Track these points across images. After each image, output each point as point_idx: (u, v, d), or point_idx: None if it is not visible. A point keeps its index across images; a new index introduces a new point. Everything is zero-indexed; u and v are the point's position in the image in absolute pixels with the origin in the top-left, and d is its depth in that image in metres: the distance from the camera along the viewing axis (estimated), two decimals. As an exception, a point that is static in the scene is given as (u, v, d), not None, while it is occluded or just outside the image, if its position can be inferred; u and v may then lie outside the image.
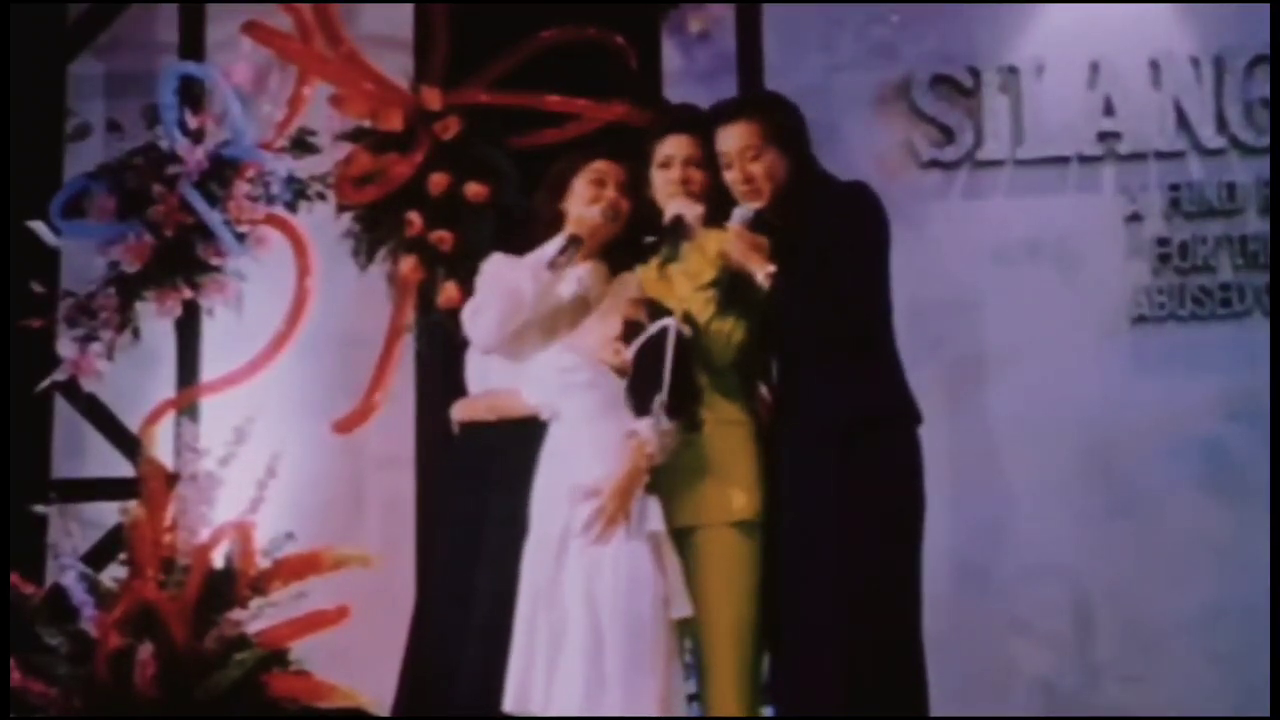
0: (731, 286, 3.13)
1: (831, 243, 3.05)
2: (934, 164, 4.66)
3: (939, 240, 4.58)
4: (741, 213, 3.14)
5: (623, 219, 3.28)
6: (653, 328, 3.03)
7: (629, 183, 3.29)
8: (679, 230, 3.15)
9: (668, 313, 3.06)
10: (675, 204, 3.18)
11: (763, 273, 3.06)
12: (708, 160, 3.18)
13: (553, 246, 3.20)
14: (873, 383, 3.08)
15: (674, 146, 3.21)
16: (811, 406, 3.08)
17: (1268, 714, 3.98)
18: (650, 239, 3.24)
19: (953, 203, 4.65)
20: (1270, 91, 4.49)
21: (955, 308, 4.53)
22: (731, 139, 3.14)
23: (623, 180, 3.29)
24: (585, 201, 3.26)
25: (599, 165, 3.30)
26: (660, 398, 2.98)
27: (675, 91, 4.53)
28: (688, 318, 3.11)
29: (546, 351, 3.19)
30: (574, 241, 3.19)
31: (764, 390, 3.23)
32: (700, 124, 3.23)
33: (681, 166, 3.19)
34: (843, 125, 4.53)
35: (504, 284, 3.21)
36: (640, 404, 3.02)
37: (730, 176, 3.16)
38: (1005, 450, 4.48)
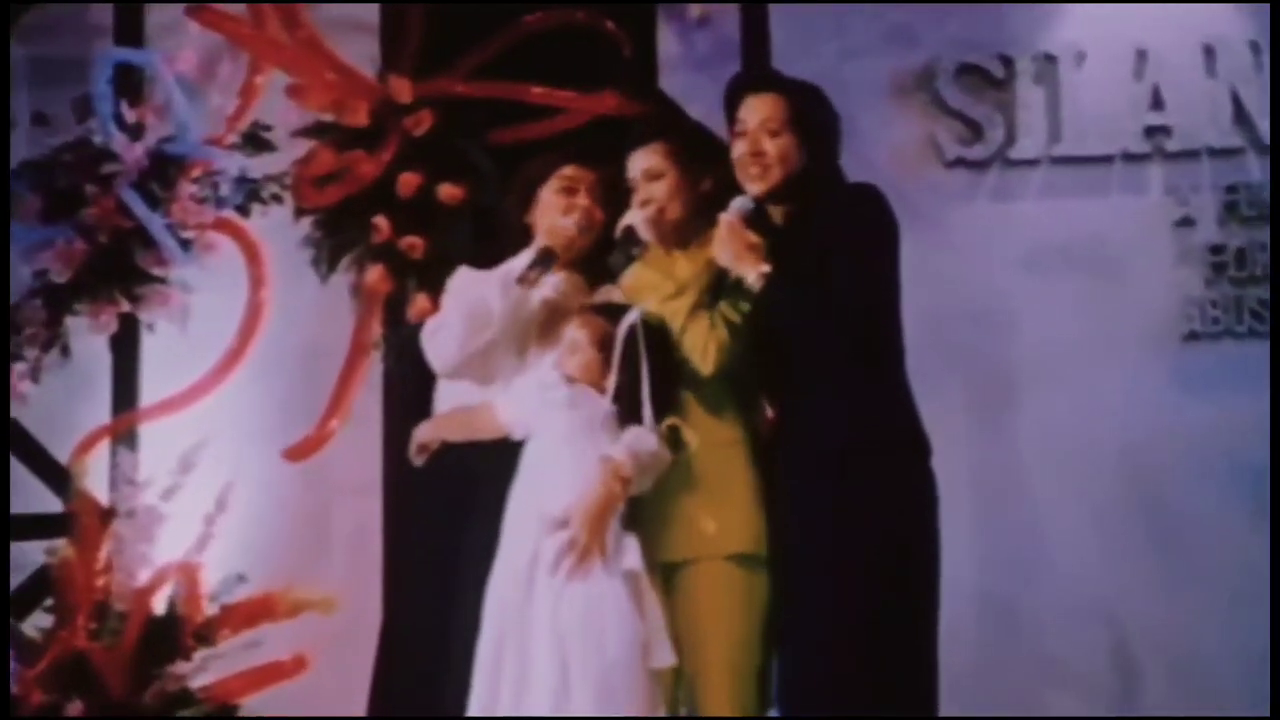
0: (715, 291, 3.19)
1: (833, 245, 3.11)
2: (960, 163, 4.74)
3: (965, 247, 4.64)
4: (740, 204, 3.21)
5: (597, 228, 3.37)
6: (621, 328, 3.12)
7: (603, 188, 3.39)
8: (627, 241, 3.24)
9: (624, 310, 3.16)
10: (629, 215, 3.28)
11: (755, 273, 3.12)
12: (675, 168, 3.27)
13: (523, 259, 3.29)
14: (874, 406, 3.12)
15: (635, 163, 3.31)
16: (809, 428, 3.14)
17: (1268, 714, 4.12)
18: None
19: (980, 205, 4.73)
20: (1270, 91, 4.53)
21: (982, 321, 4.60)
22: (755, 109, 3.23)
23: (595, 187, 3.40)
24: (556, 212, 3.36)
25: (568, 172, 3.40)
26: (645, 400, 3.08)
27: (673, 81, 4.63)
28: (661, 324, 3.18)
29: (526, 365, 3.30)
30: (546, 255, 3.28)
31: (767, 407, 3.29)
32: (670, 129, 3.35)
33: (641, 183, 3.29)
34: (857, 119, 4.46)
35: (468, 300, 3.29)
36: (629, 411, 3.10)
37: (739, 150, 3.23)
38: (1037, 478, 4.49)
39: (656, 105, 4.19)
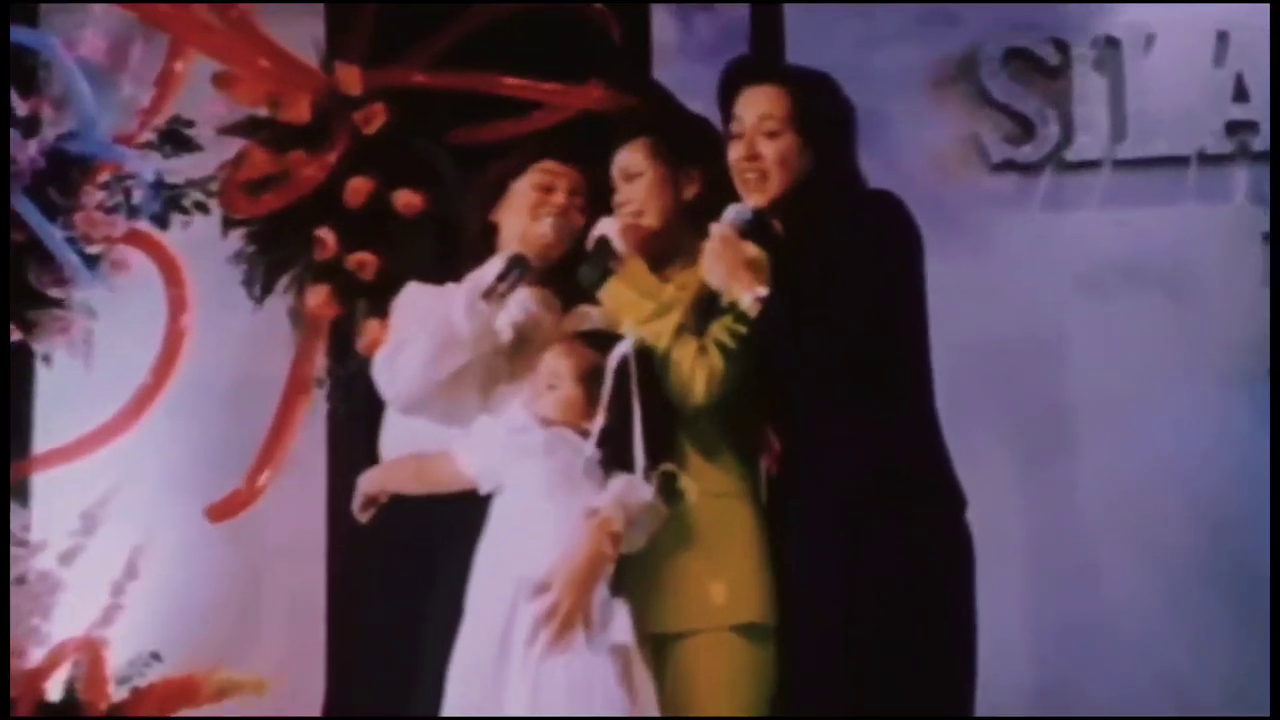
0: (705, 312, 3.22)
1: (841, 262, 3.13)
2: (1008, 165, 4.81)
3: (1012, 263, 4.70)
4: (735, 213, 3.24)
5: (574, 236, 3.39)
6: (611, 359, 3.15)
7: (587, 192, 3.43)
8: (601, 253, 3.28)
9: (615, 339, 3.19)
10: (603, 223, 3.33)
11: (751, 295, 3.14)
12: (661, 162, 3.34)
13: (491, 269, 3.30)
14: (895, 451, 3.13)
15: (620, 164, 3.38)
16: (818, 476, 3.16)
17: (1268, 714, 4.21)
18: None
19: (1032, 215, 4.79)
20: (1270, 92, 4.66)
21: (1031, 350, 4.66)
22: (751, 104, 3.26)
23: (578, 187, 3.43)
24: (525, 212, 3.39)
25: (548, 166, 3.43)
26: (638, 444, 3.10)
27: (669, 72, 4.69)
28: (647, 350, 3.21)
29: (491, 403, 3.32)
30: (517, 264, 3.30)
31: (774, 443, 3.35)
32: (659, 125, 3.43)
33: (621, 182, 3.36)
34: (887, 116, 4.56)
35: (430, 318, 3.30)
36: (616, 456, 3.13)
37: (735, 154, 3.26)
38: (1095, 533, 4.54)
39: (648, 99, 4.27)
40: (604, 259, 3.27)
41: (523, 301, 3.39)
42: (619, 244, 3.30)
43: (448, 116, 4.47)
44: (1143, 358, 4.64)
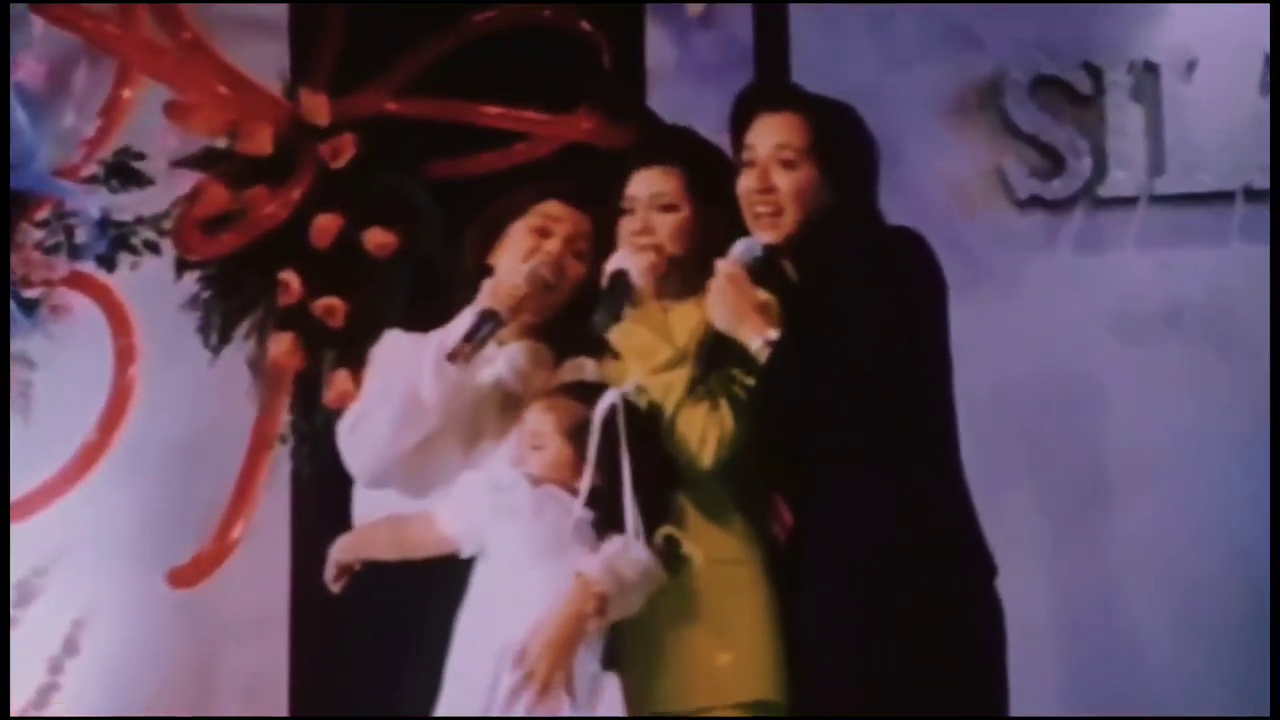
0: (710, 360, 3.22)
1: (860, 305, 3.12)
2: (1036, 202, 4.81)
3: (1042, 308, 4.70)
4: (745, 248, 3.24)
5: (566, 286, 3.39)
6: (597, 411, 3.15)
7: (589, 237, 3.42)
8: (618, 291, 3.25)
9: (601, 390, 3.19)
10: (617, 257, 3.31)
11: (760, 339, 3.14)
12: (686, 197, 3.33)
13: (461, 325, 3.31)
14: (918, 512, 3.13)
15: (638, 185, 3.36)
16: (835, 540, 3.16)
17: (1268, 714, 4.27)
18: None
19: (1062, 256, 4.79)
20: (1271, 93, 4.68)
21: (1065, 401, 4.65)
22: (767, 132, 3.27)
23: (578, 231, 3.42)
24: (518, 258, 3.38)
25: (548, 208, 3.43)
26: (628, 504, 3.09)
27: (665, 97, 4.69)
28: (650, 407, 3.20)
29: (475, 461, 3.32)
30: (488, 319, 3.28)
31: (784, 511, 3.35)
32: (683, 151, 3.40)
33: (644, 209, 3.34)
34: (902, 147, 4.48)
35: (396, 383, 3.30)
36: (609, 518, 3.14)
37: (747, 185, 3.27)
38: (1137, 597, 4.52)
39: (646, 129, 4.28)
40: (621, 297, 3.26)
41: (510, 357, 3.39)
42: (640, 280, 3.29)
43: (423, 148, 4.52)
44: (1184, 411, 4.64)
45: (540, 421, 3.23)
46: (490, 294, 3.33)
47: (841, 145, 3.29)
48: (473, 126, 4.52)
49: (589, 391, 3.24)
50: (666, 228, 3.34)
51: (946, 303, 3.23)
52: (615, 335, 3.26)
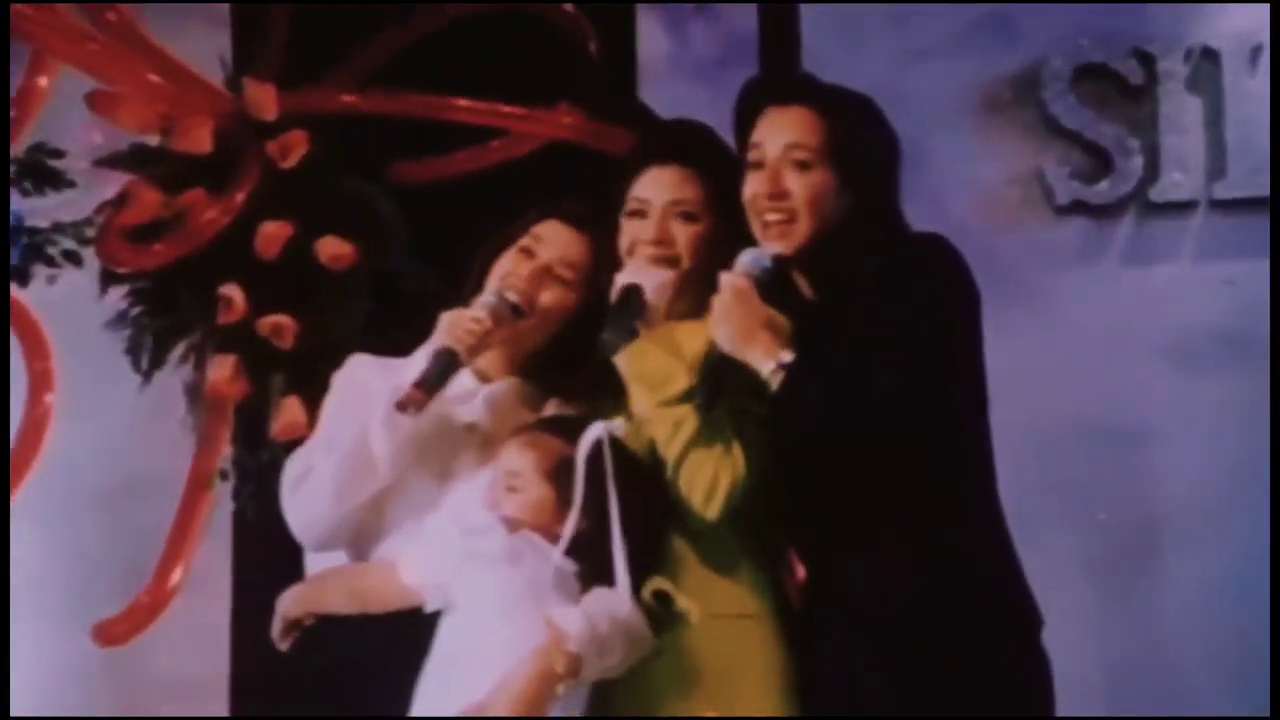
0: (718, 388, 3.17)
1: (884, 326, 3.10)
2: (1079, 208, 4.86)
3: (1086, 330, 4.73)
4: (752, 259, 3.21)
5: (548, 313, 3.35)
6: (581, 447, 3.12)
7: (586, 257, 3.38)
8: (630, 309, 3.20)
9: (584, 425, 3.14)
10: (630, 269, 3.27)
11: (771, 362, 3.11)
12: (708, 206, 3.30)
13: (415, 366, 3.27)
14: (952, 560, 3.12)
15: (653, 186, 3.32)
16: (857, 593, 3.13)
17: (1268, 714, 4.30)
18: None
19: (1109, 268, 4.82)
20: (1270, 94, 4.75)
21: (1111, 438, 4.67)
22: (777, 130, 3.25)
23: (567, 255, 3.38)
24: (498, 280, 3.34)
25: (542, 229, 3.39)
26: (617, 552, 3.07)
27: (658, 92, 4.71)
28: (657, 451, 3.16)
29: (442, 501, 3.28)
30: (443, 359, 3.25)
31: (796, 563, 3.30)
32: (700, 149, 3.36)
33: (661, 218, 3.30)
34: (927, 147, 4.48)
35: (347, 429, 3.29)
36: (594, 568, 3.10)
37: (754, 189, 3.24)
38: (1191, 659, 4.54)
39: (646, 124, 4.23)
40: (634, 315, 3.20)
41: (490, 396, 3.37)
42: (655, 297, 3.23)
43: (385, 147, 4.51)
44: (1246, 447, 4.63)
45: (517, 460, 3.20)
46: (447, 329, 3.30)
47: (861, 144, 3.26)
48: (441, 123, 4.52)
49: (572, 427, 3.21)
50: (687, 239, 3.31)
51: (980, 319, 3.20)
52: (625, 359, 3.22)
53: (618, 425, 3.18)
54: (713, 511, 3.16)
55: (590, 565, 3.13)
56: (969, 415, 3.20)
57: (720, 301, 3.18)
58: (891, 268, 3.18)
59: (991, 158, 4.89)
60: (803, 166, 3.22)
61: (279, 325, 4.36)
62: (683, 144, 3.40)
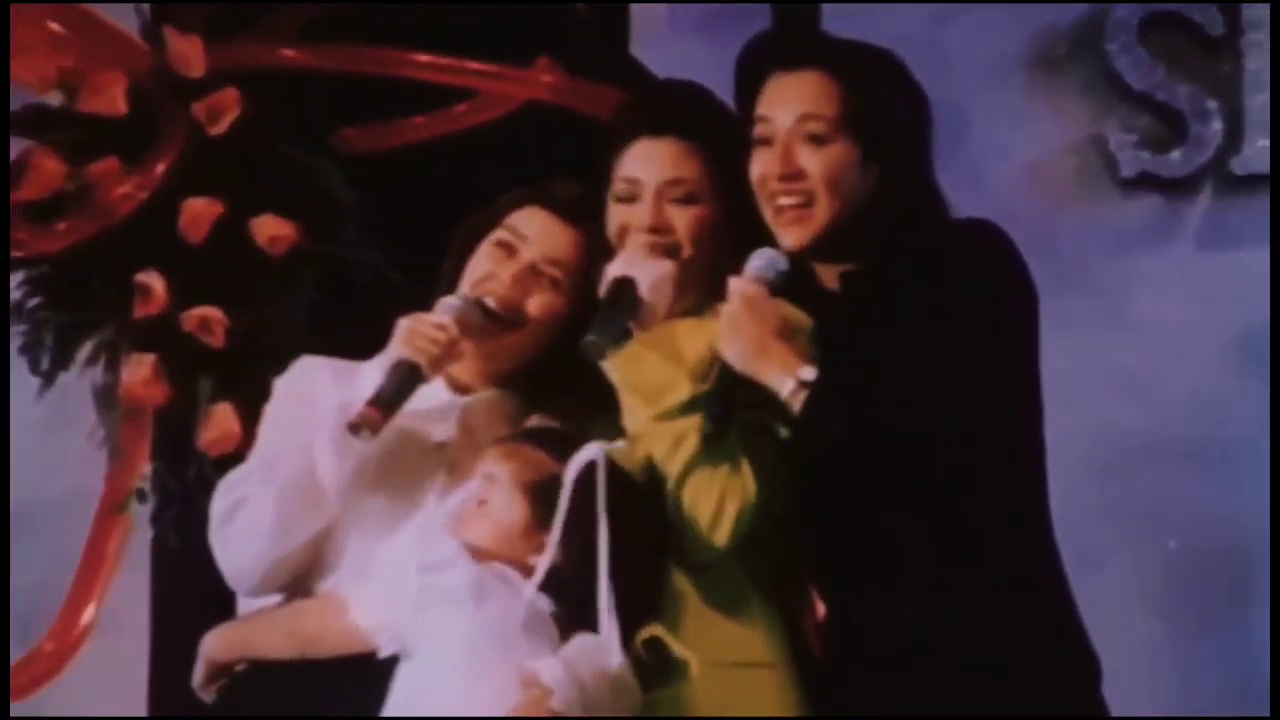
0: (727, 412, 3.16)
1: (923, 329, 3.10)
2: (1147, 181, 4.85)
3: (1155, 325, 4.71)
4: (766, 263, 3.18)
5: (532, 320, 3.35)
6: (570, 469, 3.10)
7: (577, 257, 3.38)
8: (622, 305, 3.19)
9: (567, 442, 3.14)
10: (621, 260, 3.25)
11: (792, 382, 3.09)
12: (711, 185, 3.30)
13: (367, 380, 3.27)
14: (999, 599, 3.11)
15: (645, 162, 3.32)
16: (882, 635, 3.13)
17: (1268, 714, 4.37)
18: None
19: (1183, 252, 4.81)
20: (1270, 95, 4.78)
21: (1185, 451, 4.65)
22: (786, 98, 3.24)
23: (554, 253, 3.37)
24: (470, 283, 3.36)
25: (523, 218, 3.39)
26: (603, 592, 3.03)
27: (652, 49, 4.68)
28: (655, 471, 3.15)
29: (401, 529, 3.27)
30: (402, 374, 3.24)
31: (815, 602, 3.30)
32: (699, 118, 3.34)
33: (655, 200, 3.30)
34: (966, 114, 4.57)
35: (289, 450, 3.30)
36: (575, 608, 3.08)
37: (762, 168, 3.23)
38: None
39: (636, 84, 4.21)
40: (625, 313, 3.18)
41: (463, 411, 3.36)
42: (652, 294, 3.21)
43: (332, 111, 4.48)
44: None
45: (493, 473, 3.20)
46: (405, 338, 3.27)
47: (885, 109, 3.25)
48: (399, 82, 4.50)
49: (562, 442, 3.21)
50: (686, 224, 3.30)
51: (1037, 319, 3.20)
52: (616, 364, 3.19)
53: (618, 446, 3.16)
54: (719, 539, 3.14)
55: (571, 606, 3.12)
56: (1021, 432, 3.20)
57: (729, 312, 3.16)
58: (929, 258, 3.19)
59: (1044, 124, 4.86)
60: (818, 140, 3.21)
61: (207, 319, 4.33)
62: (680, 111, 3.39)
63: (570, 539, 3.11)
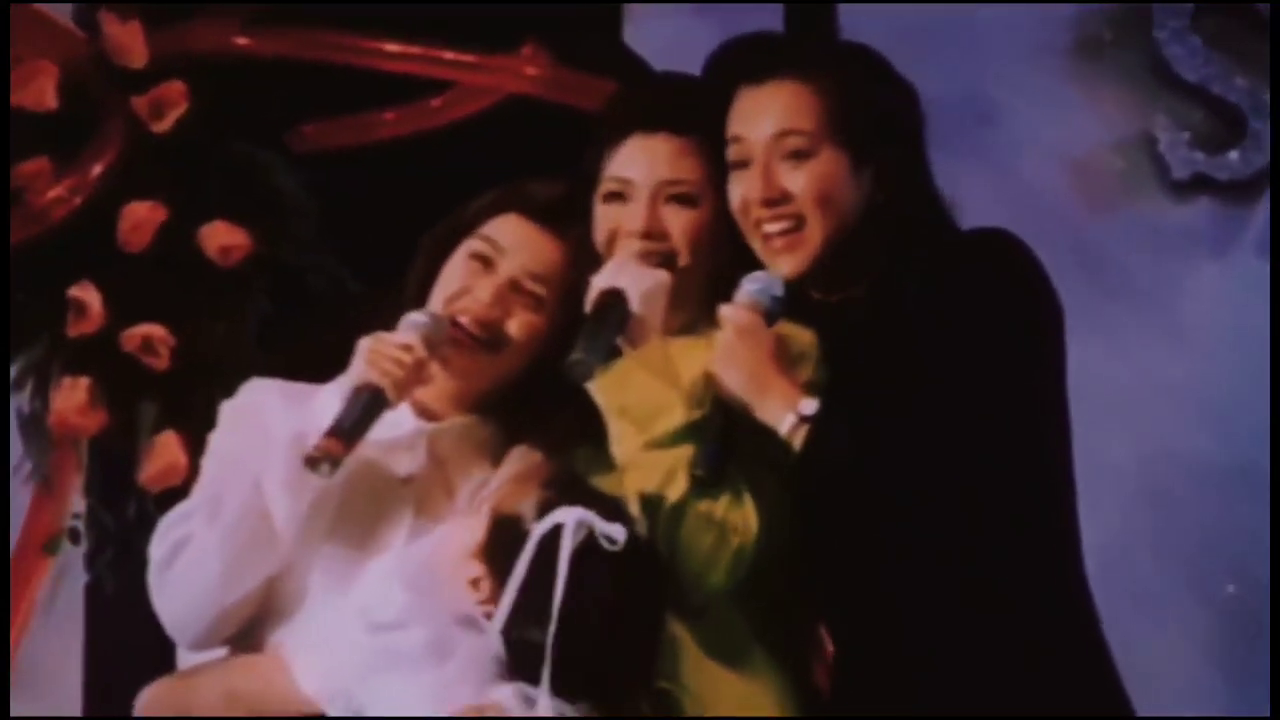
0: (723, 452, 3.15)
1: (934, 351, 3.11)
2: (1201, 184, 4.87)
3: (1210, 339, 4.69)
4: (759, 288, 3.20)
5: (511, 341, 3.35)
6: (539, 527, 3.09)
7: (560, 270, 3.39)
8: (610, 320, 3.20)
9: (589, 500, 3.11)
10: (610, 269, 3.26)
11: (793, 418, 3.11)
12: (711, 186, 3.31)
13: (325, 407, 3.27)
14: (1021, 646, 3.11)
15: (638, 160, 3.34)
16: (897, 686, 3.15)
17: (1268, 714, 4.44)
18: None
19: (1240, 261, 4.81)
20: (1270, 95, 4.85)
21: (1243, 480, 4.64)
22: (760, 113, 3.25)
23: (535, 266, 3.37)
24: (440, 299, 3.37)
25: (500, 227, 3.39)
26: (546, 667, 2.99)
27: (649, 33, 4.69)
28: (645, 506, 3.14)
29: (363, 573, 3.25)
30: (364, 400, 3.24)
31: (826, 645, 3.32)
32: (692, 109, 3.35)
33: (649, 202, 3.32)
34: (999, 102, 4.61)
35: (237, 487, 3.28)
36: (524, 671, 3.06)
37: (743, 194, 3.25)
38: None
39: (624, 76, 4.20)
40: (614, 329, 3.18)
41: (433, 440, 3.35)
42: (644, 306, 3.21)
43: (289, 105, 4.49)
44: None
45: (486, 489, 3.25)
46: (368, 360, 3.27)
47: (871, 107, 3.26)
48: (364, 72, 4.51)
49: (587, 498, 3.17)
50: (683, 229, 3.31)
51: (1063, 339, 3.19)
52: (603, 386, 3.20)
53: (617, 532, 3.10)
54: (716, 579, 3.15)
55: (517, 659, 3.11)
56: (1045, 463, 3.20)
57: (723, 342, 3.17)
58: (939, 274, 3.19)
59: (1086, 118, 4.87)
60: (800, 156, 3.22)
61: (149, 338, 4.33)
62: (676, 104, 3.39)
63: (525, 598, 3.09)
